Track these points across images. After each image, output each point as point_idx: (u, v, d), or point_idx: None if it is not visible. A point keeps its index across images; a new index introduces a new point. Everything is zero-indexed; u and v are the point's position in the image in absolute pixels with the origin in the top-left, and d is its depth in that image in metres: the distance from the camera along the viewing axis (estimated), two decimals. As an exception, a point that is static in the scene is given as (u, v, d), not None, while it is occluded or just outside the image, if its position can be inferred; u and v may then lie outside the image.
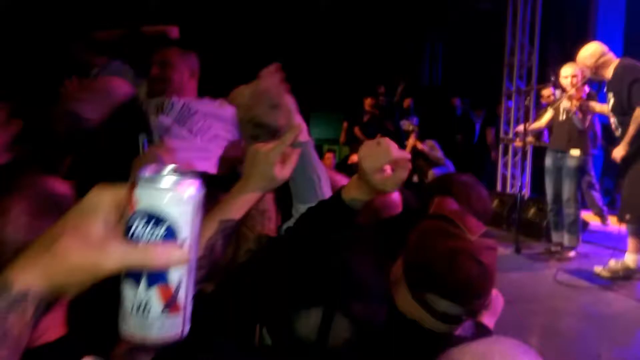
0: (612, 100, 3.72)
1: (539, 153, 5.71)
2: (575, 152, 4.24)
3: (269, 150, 0.93)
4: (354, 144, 6.68)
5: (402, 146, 6.62)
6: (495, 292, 1.53)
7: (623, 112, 3.58)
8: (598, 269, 3.68)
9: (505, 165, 6.90)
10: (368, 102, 6.79)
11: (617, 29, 7.24)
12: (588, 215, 5.32)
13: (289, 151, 0.94)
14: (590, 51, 3.81)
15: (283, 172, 0.93)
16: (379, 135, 6.49)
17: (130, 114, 1.92)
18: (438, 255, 1.10)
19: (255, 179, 0.93)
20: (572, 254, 4.26)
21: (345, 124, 7.28)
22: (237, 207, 0.92)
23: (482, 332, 1.39)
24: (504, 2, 7.03)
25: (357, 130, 6.80)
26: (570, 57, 4.25)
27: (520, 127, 5.40)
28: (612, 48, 4.24)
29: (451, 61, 9.05)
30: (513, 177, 6.73)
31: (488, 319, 1.45)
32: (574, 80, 4.18)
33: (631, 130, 3.47)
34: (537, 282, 3.55)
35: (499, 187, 6.88)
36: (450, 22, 8.56)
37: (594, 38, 6.94)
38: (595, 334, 2.61)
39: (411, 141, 6.74)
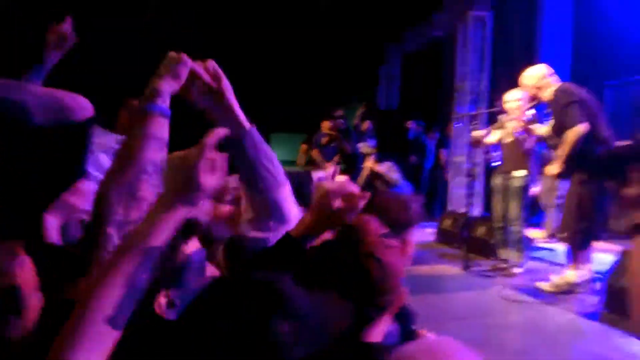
0: (551, 122, 3.94)
1: (490, 173, 5.94)
2: (520, 172, 4.44)
3: (188, 157, 0.83)
4: (312, 167, 6.77)
5: (359, 168, 6.77)
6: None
7: (560, 133, 3.78)
8: (541, 284, 3.85)
9: (457, 185, 7.13)
10: (326, 124, 6.92)
11: (563, 54, 7.66)
12: (534, 232, 5.56)
13: (215, 157, 0.85)
14: (533, 73, 4.04)
15: (210, 180, 0.83)
16: (338, 158, 6.59)
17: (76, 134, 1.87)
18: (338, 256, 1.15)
19: (177, 191, 0.82)
20: (517, 270, 4.42)
21: (303, 147, 7.37)
22: (159, 229, 0.79)
23: (410, 336, 1.45)
24: (455, 28, 7.38)
25: (315, 152, 6.90)
26: (517, 82, 4.48)
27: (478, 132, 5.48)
28: (559, 72, 4.50)
29: (407, 85, 9.36)
30: (465, 197, 6.95)
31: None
32: (519, 104, 4.41)
33: (565, 149, 3.65)
34: (484, 299, 3.67)
35: (451, 207, 7.08)
36: (406, 48, 8.88)
37: (540, 58, 7.34)
38: (537, 347, 2.71)
39: (369, 163, 6.88)
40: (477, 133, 5.36)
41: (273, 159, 1.23)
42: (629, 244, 3.43)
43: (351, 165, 6.10)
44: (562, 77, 4.55)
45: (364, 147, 6.99)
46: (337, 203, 0.98)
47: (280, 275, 0.95)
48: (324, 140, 6.85)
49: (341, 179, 5.11)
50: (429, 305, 3.43)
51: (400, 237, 1.51)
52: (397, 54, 9.54)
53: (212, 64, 1.16)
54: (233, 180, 1.48)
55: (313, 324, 0.95)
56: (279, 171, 1.25)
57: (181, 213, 0.81)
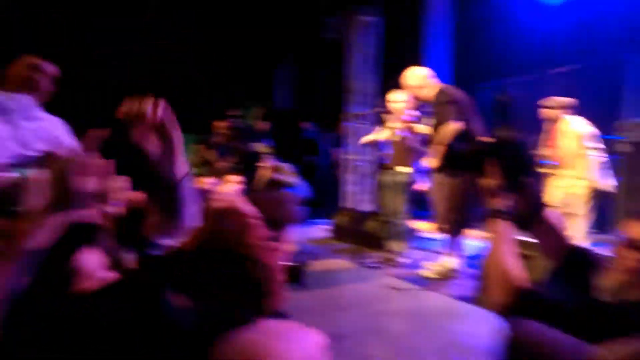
0: (433, 121, 4.23)
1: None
2: (404, 169, 4.72)
3: (62, 163, 0.83)
4: (206, 167, 6.62)
5: (254, 168, 6.72)
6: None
7: (439, 131, 4.07)
8: (423, 272, 4.13)
9: (350, 183, 7.41)
10: (221, 125, 6.81)
11: (444, 58, 8.26)
12: (423, 224, 5.94)
13: (90, 162, 0.86)
14: (414, 74, 4.31)
15: (85, 185, 0.84)
16: (234, 158, 6.49)
17: None
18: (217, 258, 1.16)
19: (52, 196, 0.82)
20: (403, 260, 4.70)
21: (198, 147, 7.19)
22: (36, 233, 0.80)
23: None
24: (345, 32, 7.65)
25: (209, 153, 6.76)
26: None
27: (367, 138, 5.75)
28: (440, 74, 4.84)
29: (303, 87, 9.52)
30: (358, 193, 7.25)
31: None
32: (403, 104, 4.69)
33: (442, 146, 3.90)
34: (370, 288, 3.85)
35: (345, 204, 7.33)
36: (301, 50, 9.03)
37: (425, 60, 7.86)
38: (413, 328, 2.90)
39: (265, 164, 6.85)
40: (366, 138, 5.67)
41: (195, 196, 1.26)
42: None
43: (247, 165, 6.06)
44: (443, 79, 4.92)
45: (260, 146, 6.98)
46: (228, 223, 1.01)
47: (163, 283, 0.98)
48: (219, 140, 6.74)
49: (235, 179, 5.04)
50: (321, 298, 3.53)
51: (278, 236, 1.55)
52: (292, 56, 9.68)
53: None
54: (120, 182, 1.44)
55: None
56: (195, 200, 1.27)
57: (58, 217, 0.82)
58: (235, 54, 8.64)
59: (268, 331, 0.74)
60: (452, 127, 3.90)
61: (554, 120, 4.90)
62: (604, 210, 6.18)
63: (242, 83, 8.88)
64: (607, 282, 1.26)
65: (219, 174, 5.74)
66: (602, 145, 4.81)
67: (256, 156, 6.85)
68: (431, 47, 8.16)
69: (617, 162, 6.06)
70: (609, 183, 4.84)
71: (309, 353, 0.67)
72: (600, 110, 6.84)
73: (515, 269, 1.24)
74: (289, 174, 6.68)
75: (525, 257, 3.36)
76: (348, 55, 7.54)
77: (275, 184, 6.52)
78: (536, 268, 3.23)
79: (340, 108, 7.76)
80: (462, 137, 3.96)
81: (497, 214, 1.36)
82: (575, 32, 7.76)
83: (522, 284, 1.19)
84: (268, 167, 6.48)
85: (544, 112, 4.97)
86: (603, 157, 4.79)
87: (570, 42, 7.80)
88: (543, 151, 4.97)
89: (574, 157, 4.76)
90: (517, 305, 1.16)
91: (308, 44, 8.68)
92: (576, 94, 7.43)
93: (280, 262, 1.29)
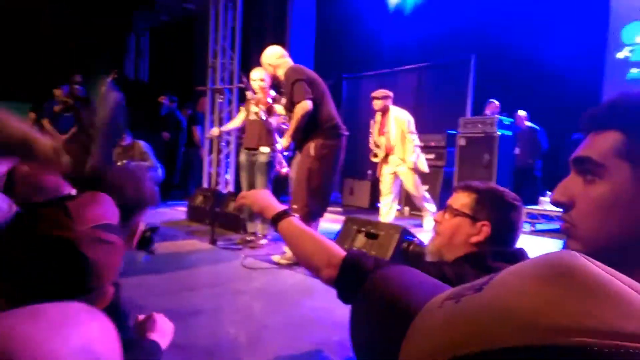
0: (283, 100, 4.19)
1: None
2: (264, 149, 4.64)
3: None
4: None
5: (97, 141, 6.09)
6: (162, 317, 1.50)
7: (291, 109, 4.01)
8: (275, 257, 4.02)
9: (211, 163, 7.15)
10: (59, 92, 6.04)
11: (308, 46, 8.39)
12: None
13: None
14: (270, 52, 4.21)
15: None
16: (74, 129, 5.80)
17: None
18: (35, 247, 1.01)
19: None
20: (263, 241, 4.67)
21: (32, 116, 6.29)
22: None
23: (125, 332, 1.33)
24: (207, 5, 7.29)
25: (46, 122, 5.96)
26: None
27: (215, 130, 5.62)
28: (305, 54, 4.88)
29: (159, 58, 8.89)
30: (218, 174, 7.03)
31: (161, 340, 1.41)
32: (262, 83, 4.60)
33: (293, 124, 3.89)
34: (227, 269, 3.74)
35: (205, 184, 7.07)
36: (157, 18, 8.39)
37: (289, 44, 7.88)
38: (268, 305, 2.87)
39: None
40: (213, 132, 5.53)
41: None
42: (348, 216, 3.89)
43: (89, 137, 5.46)
44: (306, 64, 4.94)
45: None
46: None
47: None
48: (56, 108, 5.96)
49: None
50: (174, 279, 3.33)
51: (131, 221, 1.38)
52: (146, 24, 8.95)
53: None
54: None
55: None
56: None
57: None
58: (81, 15, 7.69)
59: (32, 315, 0.55)
60: (303, 105, 3.84)
61: (383, 110, 5.35)
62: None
63: (89, 47, 7.96)
64: (430, 247, 1.41)
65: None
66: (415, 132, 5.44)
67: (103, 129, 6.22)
68: (295, 32, 8.22)
69: (454, 153, 6.80)
70: (424, 165, 5.47)
71: (84, 342, 0.51)
72: (447, 107, 7.60)
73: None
74: (143, 152, 6.19)
75: (370, 236, 3.53)
76: (210, 29, 7.20)
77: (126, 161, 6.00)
78: (381, 246, 3.42)
79: (199, 83, 7.41)
80: (314, 117, 3.97)
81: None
82: (421, 33, 8.46)
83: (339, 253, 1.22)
84: (119, 143, 5.94)
85: (375, 103, 5.39)
86: (419, 143, 5.45)
87: (421, 42, 8.49)
88: (374, 139, 5.45)
89: (399, 143, 5.33)
90: (343, 271, 1.18)
91: (165, 12, 8.10)
92: (425, 90, 8.17)
93: (116, 259, 1.13)
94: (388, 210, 5.44)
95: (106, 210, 1.17)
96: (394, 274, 0.72)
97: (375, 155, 5.51)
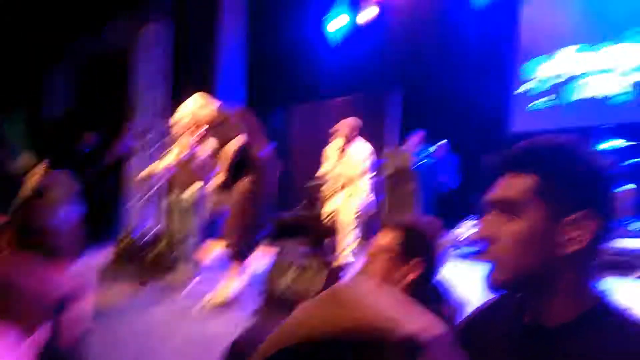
0: (212, 140, 4.26)
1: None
2: (191, 188, 4.63)
3: None
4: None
5: (16, 182, 5.76)
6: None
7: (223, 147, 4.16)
8: (206, 298, 3.97)
9: (134, 203, 6.97)
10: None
11: (238, 77, 8.43)
12: (215, 244, 5.88)
13: None
14: (194, 98, 4.32)
15: None
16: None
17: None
18: None
19: None
20: (192, 282, 4.60)
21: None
22: None
23: None
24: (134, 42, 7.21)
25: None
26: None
27: (145, 172, 5.49)
28: (234, 93, 4.92)
29: (83, 95, 8.59)
30: (143, 215, 6.86)
31: None
32: (188, 124, 4.61)
33: (225, 162, 4.07)
34: (155, 312, 3.66)
35: (131, 226, 6.86)
36: (81, 54, 8.15)
37: (217, 85, 7.90)
38: (196, 354, 2.85)
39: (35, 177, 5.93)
40: (145, 172, 5.36)
41: None
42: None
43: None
44: (238, 100, 5.02)
45: (26, 159, 6.05)
46: None
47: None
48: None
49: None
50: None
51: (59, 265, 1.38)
52: (70, 60, 8.63)
53: None
54: None
55: None
56: None
57: None
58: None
59: None
60: (234, 142, 4.00)
61: (340, 142, 5.37)
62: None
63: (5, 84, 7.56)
64: None
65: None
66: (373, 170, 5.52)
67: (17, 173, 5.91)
68: (224, 67, 8.27)
69: (381, 183, 7.07)
70: (373, 205, 5.56)
71: None
72: (369, 137, 7.89)
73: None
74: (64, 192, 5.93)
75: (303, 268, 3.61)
76: (137, 68, 7.11)
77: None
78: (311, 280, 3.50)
79: (125, 120, 7.25)
80: (242, 153, 4.06)
81: None
82: (349, 66, 8.80)
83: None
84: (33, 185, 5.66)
85: (336, 135, 5.39)
86: (372, 180, 5.50)
87: (345, 75, 8.82)
88: (323, 171, 5.45)
89: (352, 178, 5.33)
90: None
91: (89, 49, 7.89)
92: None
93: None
94: None
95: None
96: None
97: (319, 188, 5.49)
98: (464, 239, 6.05)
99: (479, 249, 0.87)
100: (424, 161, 6.65)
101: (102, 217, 7.06)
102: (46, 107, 8.52)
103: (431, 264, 1.36)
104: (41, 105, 8.42)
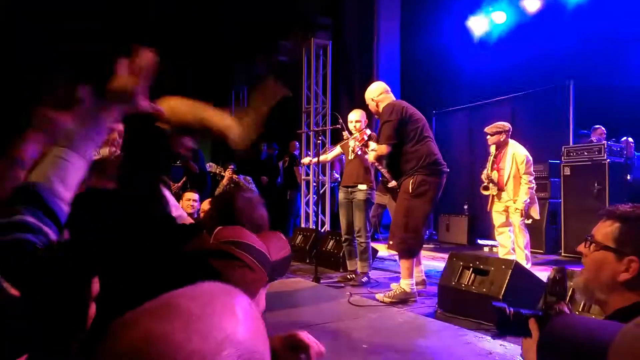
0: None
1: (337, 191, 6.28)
2: (362, 186, 4.72)
3: None
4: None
5: (208, 187, 6.52)
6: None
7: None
8: (379, 295, 3.99)
9: (307, 203, 7.39)
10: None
11: (395, 78, 8.52)
12: (380, 246, 5.98)
13: None
14: (374, 87, 4.40)
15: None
16: (185, 178, 6.25)
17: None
18: None
19: None
20: (364, 279, 4.68)
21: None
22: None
23: None
24: (300, 55, 7.76)
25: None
26: (357, 104, 4.84)
27: (306, 159, 5.75)
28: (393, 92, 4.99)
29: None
30: (315, 214, 7.23)
31: None
32: (358, 124, 4.75)
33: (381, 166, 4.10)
34: (333, 306, 3.80)
35: (304, 224, 7.30)
36: (254, 71, 9.03)
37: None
38: (380, 342, 2.87)
39: (228, 173, 6.58)
40: (305, 160, 5.73)
41: None
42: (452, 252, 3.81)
43: (200, 185, 5.89)
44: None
45: (213, 166, 6.84)
46: None
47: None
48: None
49: (192, 196, 4.88)
50: (281, 316, 3.43)
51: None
52: (245, 77, 9.65)
53: None
54: None
55: None
56: None
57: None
58: (190, 73, 8.51)
59: (167, 313, 0.49)
60: (380, 148, 4.08)
61: (498, 145, 5.05)
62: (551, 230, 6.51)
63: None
64: (577, 281, 1.26)
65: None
66: (533, 173, 5.01)
67: (209, 175, 6.69)
68: (382, 73, 8.42)
69: (558, 184, 6.44)
70: (537, 212, 5.03)
71: (225, 334, 0.47)
72: (545, 136, 7.26)
73: None
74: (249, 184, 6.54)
75: (479, 272, 3.41)
76: (303, 78, 7.63)
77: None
78: (494, 282, 3.30)
79: (294, 127, 7.79)
80: (410, 153, 4.05)
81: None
82: (514, 62, 8.24)
83: None
84: (232, 176, 6.32)
85: (488, 139, 5.10)
86: (534, 184, 4.97)
87: (511, 71, 8.27)
88: (489, 174, 5.10)
89: (511, 181, 4.95)
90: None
91: (262, 65, 8.71)
92: (520, 120, 7.89)
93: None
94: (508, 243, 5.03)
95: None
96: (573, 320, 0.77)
97: (486, 188, 5.18)
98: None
99: None
100: (611, 159, 5.89)
101: (278, 216, 7.64)
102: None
103: None
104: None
